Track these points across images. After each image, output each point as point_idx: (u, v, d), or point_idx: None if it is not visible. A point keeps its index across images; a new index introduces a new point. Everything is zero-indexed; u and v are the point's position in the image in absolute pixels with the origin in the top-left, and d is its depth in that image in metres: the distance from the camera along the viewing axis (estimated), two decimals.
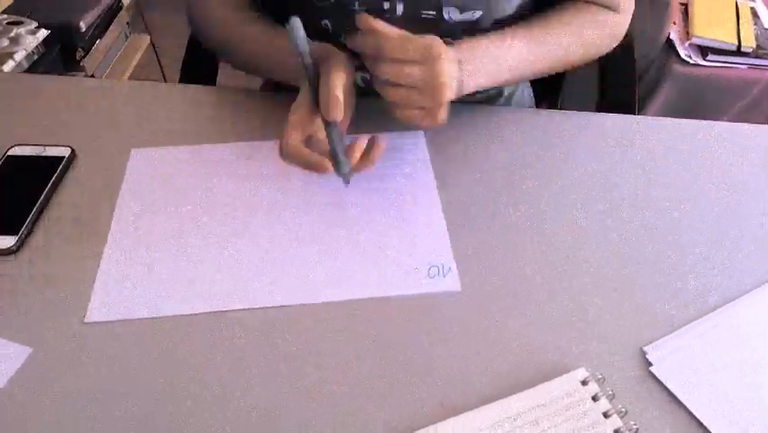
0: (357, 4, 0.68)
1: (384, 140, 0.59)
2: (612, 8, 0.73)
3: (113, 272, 0.58)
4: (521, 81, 0.74)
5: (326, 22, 0.71)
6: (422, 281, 0.58)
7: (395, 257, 0.60)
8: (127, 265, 0.58)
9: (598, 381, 0.51)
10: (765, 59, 1.51)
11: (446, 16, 0.68)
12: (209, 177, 0.67)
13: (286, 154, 0.58)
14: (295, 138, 0.58)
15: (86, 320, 0.54)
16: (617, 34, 0.76)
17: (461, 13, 0.68)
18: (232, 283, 0.57)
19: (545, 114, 0.80)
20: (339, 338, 0.54)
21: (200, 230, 0.62)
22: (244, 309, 0.55)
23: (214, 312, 0.55)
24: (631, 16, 0.77)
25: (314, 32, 0.63)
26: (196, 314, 0.55)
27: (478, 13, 0.68)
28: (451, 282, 0.58)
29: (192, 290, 0.56)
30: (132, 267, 0.58)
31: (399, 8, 0.68)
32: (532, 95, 0.94)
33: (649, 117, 0.82)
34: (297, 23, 0.56)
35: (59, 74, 1.59)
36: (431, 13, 0.68)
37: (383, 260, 0.60)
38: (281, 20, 0.73)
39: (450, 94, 0.61)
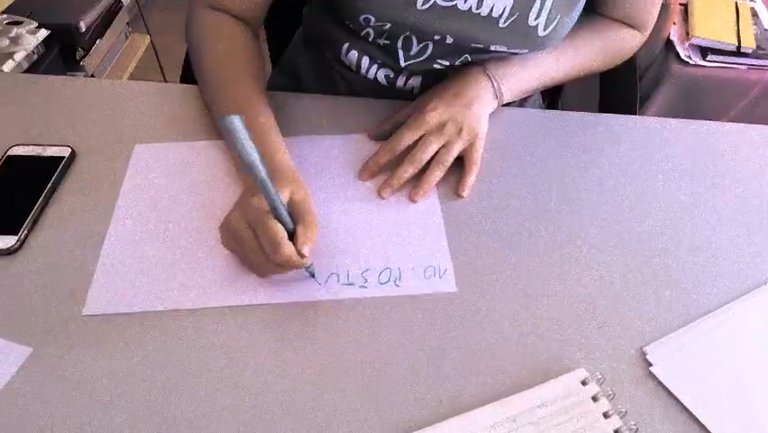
0: (410, 32, 0.70)
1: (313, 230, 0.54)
2: (638, 29, 0.79)
3: (112, 266, 0.58)
4: (546, 88, 0.80)
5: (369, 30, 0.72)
6: (418, 282, 0.58)
7: (392, 257, 0.60)
8: (126, 259, 0.58)
9: (598, 381, 0.51)
10: (765, 59, 1.50)
11: (493, 48, 0.71)
12: (210, 173, 0.66)
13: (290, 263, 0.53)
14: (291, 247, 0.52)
15: (83, 313, 0.54)
16: (635, 48, 0.82)
17: (508, 49, 0.71)
18: (231, 279, 0.57)
19: (546, 114, 0.80)
20: (337, 337, 0.54)
21: (200, 225, 0.61)
22: (243, 306, 0.55)
23: (213, 307, 0.55)
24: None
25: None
26: (195, 309, 0.55)
27: (523, 51, 0.72)
28: (447, 283, 0.58)
29: (191, 285, 0.56)
30: (132, 261, 0.58)
31: (450, 39, 0.70)
32: (540, 96, 0.95)
33: (649, 117, 0.82)
34: (237, 122, 0.46)
35: (59, 74, 1.59)
36: (479, 45, 0.71)
37: (380, 260, 0.60)
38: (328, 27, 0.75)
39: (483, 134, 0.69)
